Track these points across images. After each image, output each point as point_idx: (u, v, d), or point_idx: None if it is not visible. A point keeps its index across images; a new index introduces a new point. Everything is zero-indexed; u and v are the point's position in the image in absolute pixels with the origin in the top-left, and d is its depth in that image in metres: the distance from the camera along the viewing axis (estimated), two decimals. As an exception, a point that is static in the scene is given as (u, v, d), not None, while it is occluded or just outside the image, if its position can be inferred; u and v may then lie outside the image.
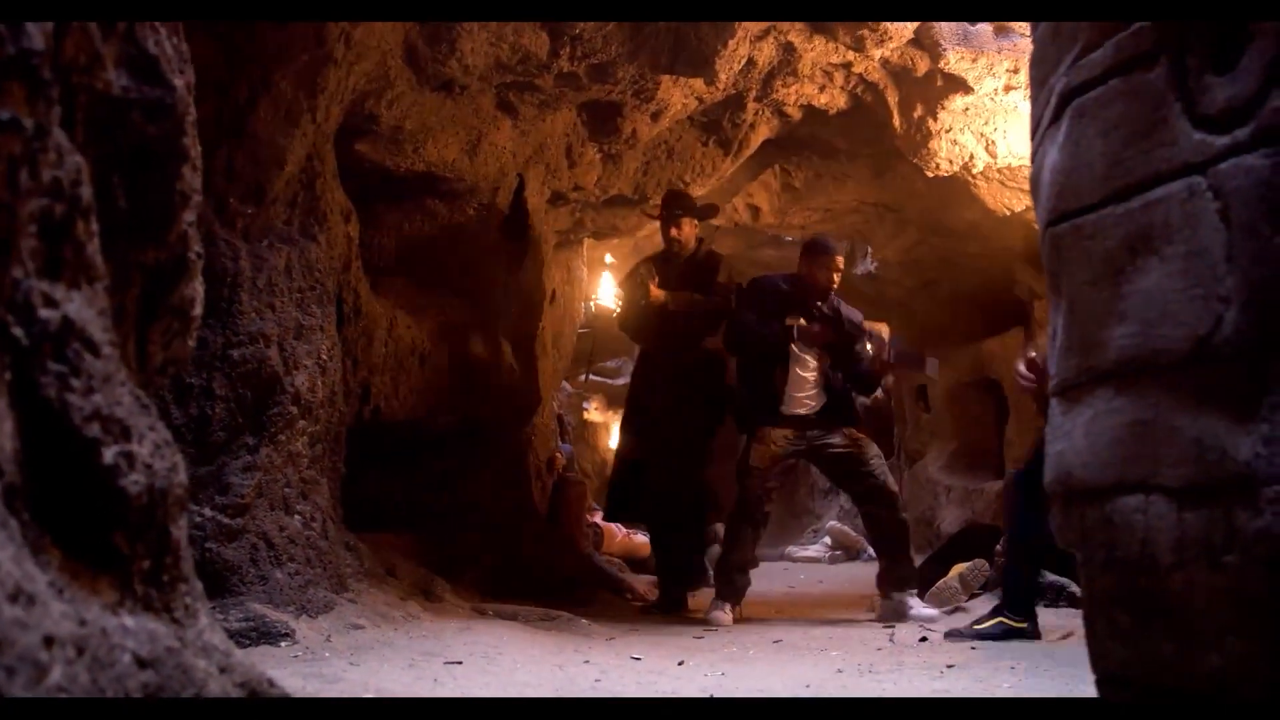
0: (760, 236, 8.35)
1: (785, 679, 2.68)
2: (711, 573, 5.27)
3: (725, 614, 4.45)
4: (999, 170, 5.73)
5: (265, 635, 2.75)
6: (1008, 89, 5.19)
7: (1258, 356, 1.02)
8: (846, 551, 9.05)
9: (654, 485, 4.97)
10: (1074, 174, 1.29)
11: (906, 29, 4.84)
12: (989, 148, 5.51)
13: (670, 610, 4.80)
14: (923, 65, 5.11)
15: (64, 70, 0.92)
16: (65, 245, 0.88)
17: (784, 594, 6.27)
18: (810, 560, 9.12)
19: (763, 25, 4.62)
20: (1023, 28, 4.82)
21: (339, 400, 3.61)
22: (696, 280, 5.01)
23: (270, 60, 3.12)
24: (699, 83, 4.77)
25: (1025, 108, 4.71)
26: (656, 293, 4.97)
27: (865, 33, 4.76)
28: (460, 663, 2.65)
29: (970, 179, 5.87)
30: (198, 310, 1.24)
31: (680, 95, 4.90)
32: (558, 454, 7.00)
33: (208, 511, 2.91)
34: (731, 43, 4.49)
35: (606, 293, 8.63)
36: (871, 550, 5.48)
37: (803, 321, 4.67)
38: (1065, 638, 3.49)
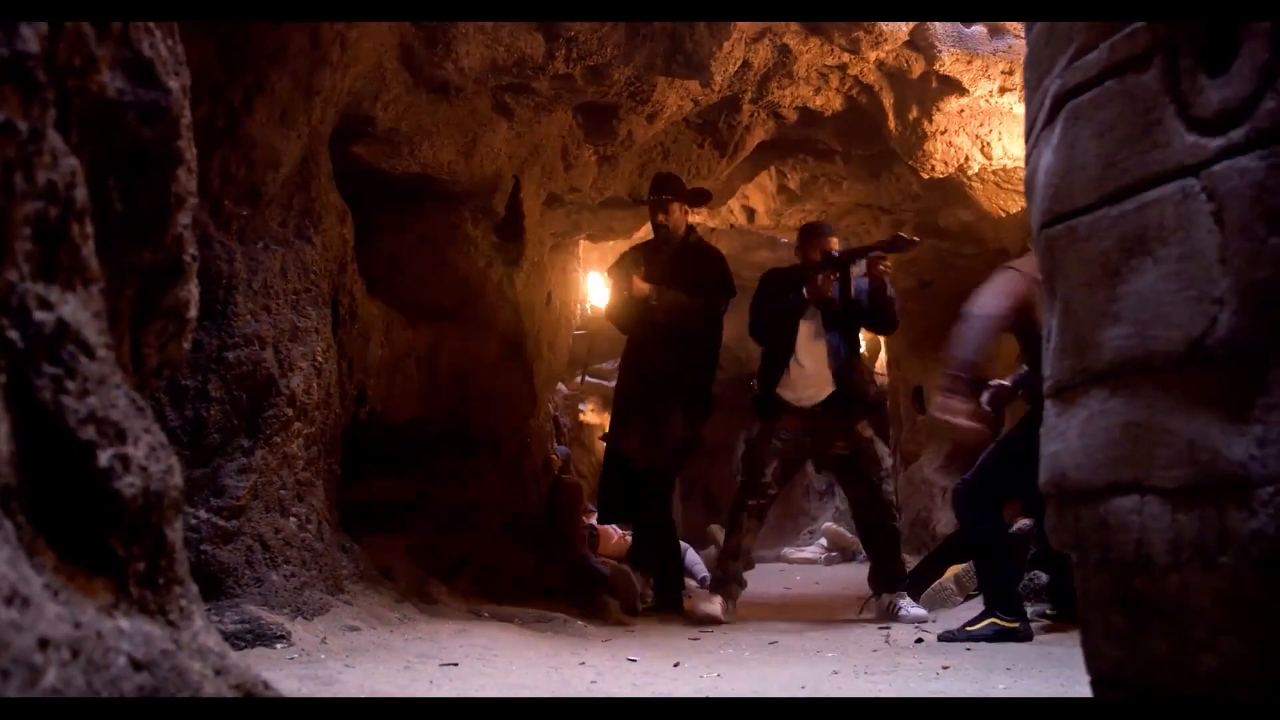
0: (756, 238, 8.36)
1: (781, 680, 2.68)
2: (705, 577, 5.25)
3: (714, 605, 4.45)
4: (994, 172, 5.74)
5: (261, 637, 2.75)
6: (1003, 91, 5.20)
7: (1252, 358, 1.02)
8: (842, 553, 9.06)
9: (635, 483, 4.86)
10: (1068, 176, 1.29)
11: (902, 31, 4.85)
12: (984, 149, 5.52)
13: (666, 610, 4.79)
14: (918, 67, 5.12)
15: (59, 72, 0.92)
16: (60, 248, 0.88)
17: (780, 595, 6.28)
18: (806, 562, 9.13)
19: (758, 27, 4.63)
20: (1017, 29, 4.83)
21: (334, 402, 3.60)
22: (686, 271, 4.84)
23: (265, 62, 3.12)
24: (695, 85, 4.78)
25: (1020, 109, 4.72)
26: (640, 285, 4.81)
27: (860, 34, 4.78)
28: (456, 664, 2.65)
29: (966, 181, 5.87)
30: (193, 312, 1.24)
31: (676, 97, 4.91)
32: (554, 456, 6.99)
33: (203, 514, 2.90)
34: (727, 44, 4.50)
35: (595, 294, 8.60)
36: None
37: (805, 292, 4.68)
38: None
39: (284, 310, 3.23)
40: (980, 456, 3.87)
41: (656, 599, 5.00)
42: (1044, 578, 4.24)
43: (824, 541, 9.42)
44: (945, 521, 7.83)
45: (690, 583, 5.66)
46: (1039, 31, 1.42)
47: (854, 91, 5.38)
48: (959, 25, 4.97)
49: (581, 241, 6.97)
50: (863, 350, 5.01)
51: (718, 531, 9.48)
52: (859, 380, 4.76)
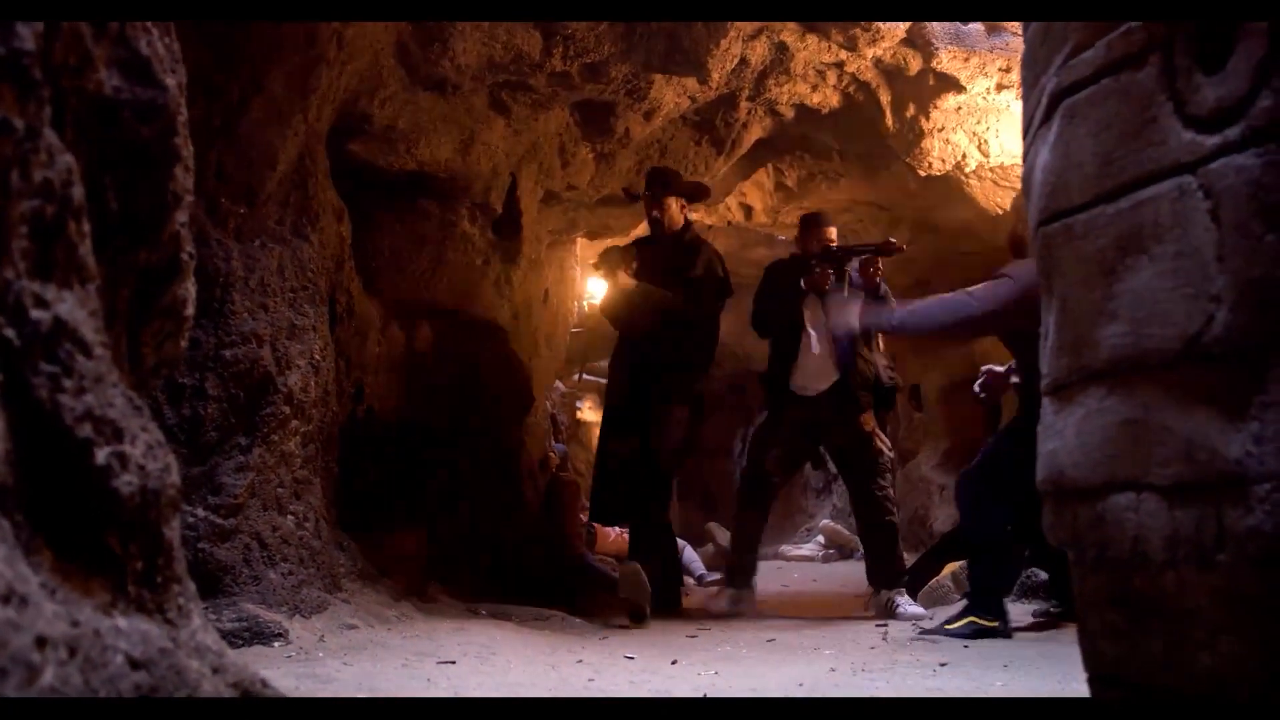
0: (753, 236, 8.36)
1: (779, 678, 2.68)
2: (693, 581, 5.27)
3: (720, 601, 4.50)
4: (991, 169, 5.75)
5: (258, 635, 2.75)
6: (1000, 88, 5.21)
7: (1249, 356, 1.02)
8: (840, 550, 9.06)
9: (629, 483, 4.77)
10: (1065, 174, 1.29)
11: (899, 28, 4.86)
12: (981, 147, 5.53)
13: (665, 608, 4.79)
14: (915, 64, 5.12)
15: (55, 71, 0.92)
16: (57, 246, 0.88)
17: (778, 593, 6.27)
18: (804, 559, 9.13)
19: (756, 25, 4.63)
20: (1014, 27, 4.84)
21: (332, 400, 3.60)
22: (680, 267, 4.71)
23: (262, 60, 3.11)
24: (692, 82, 4.78)
25: (1017, 107, 4.73)
26: (624, 280, 4.69)
27: (858, 32, 4.78)
28: (454, 662, 2.65)
29: (963, 178, 5.88)
30: (190, 311, 1.24)
31: (673, 94, 4.90)
32: (551, 453, 7.00)
33: (200, 512, 2.90)
34: (724, 42, 4.50)
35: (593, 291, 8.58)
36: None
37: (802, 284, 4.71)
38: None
39: (281, 308, 3.23)
40: (982, 447, 3.89)
41: (654, 598, 4.99)
42: (1042, 575, 4.25)
43: (821, 539, 9.42)
44: (942, 518, 7.85)
45: (688, 580, 5.66)
46: (1035, 30, 1.42)
47: (851, 89, 5.38)
48: (956, 23, 4.98)
49: (579, 239, 6.97)
50: (878, 340, 5.00)
51: (716, 529, 9.49)
52: (863, 369, 4.77)
